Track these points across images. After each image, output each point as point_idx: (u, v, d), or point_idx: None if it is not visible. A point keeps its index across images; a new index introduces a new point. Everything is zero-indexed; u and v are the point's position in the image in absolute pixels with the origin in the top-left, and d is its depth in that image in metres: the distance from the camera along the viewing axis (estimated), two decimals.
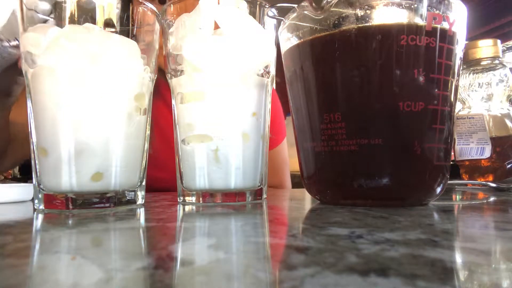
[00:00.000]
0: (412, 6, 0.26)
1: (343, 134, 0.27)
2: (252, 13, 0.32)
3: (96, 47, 0.27)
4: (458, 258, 0.13)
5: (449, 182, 0.29)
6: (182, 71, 0.31)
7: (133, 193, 0.29)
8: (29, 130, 0.28)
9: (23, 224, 0.22)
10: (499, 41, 0.55)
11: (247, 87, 0.31)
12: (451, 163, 0.30)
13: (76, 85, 0.26)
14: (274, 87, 0.39)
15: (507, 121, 0.53)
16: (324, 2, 0.27)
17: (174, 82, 0.32)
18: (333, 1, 0.26)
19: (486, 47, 0.55)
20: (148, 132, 0.32)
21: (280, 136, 0.76)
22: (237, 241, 0.16)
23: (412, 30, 0.25)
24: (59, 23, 0.26)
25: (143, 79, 0.30)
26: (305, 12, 0.28)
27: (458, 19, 0.27)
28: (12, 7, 0.30)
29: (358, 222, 0.20)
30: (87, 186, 0.27)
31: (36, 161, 0.27)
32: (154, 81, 0.32)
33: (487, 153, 0.53)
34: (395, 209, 0.25)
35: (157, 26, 0.32)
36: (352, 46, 0.26)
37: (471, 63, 0.56)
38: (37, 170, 0.27)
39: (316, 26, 0.28)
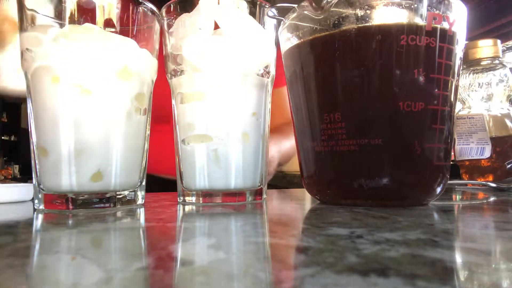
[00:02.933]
0: (412, 6, 0.26)
1: (343, 134, 0.27)
2: (252, 13, 0.32)
3: (96, 47, 0.27)
4: (458, 258, 0.13)
5: (449, 182, 0.28)
6: (182, 71, 0.31)
7: (133, 193, 0.29)
8: (29, 130, 0.28)
9: (23, 224, 0.22)
10: (499, 41, 0.55)
11: (247, 87, 0.31)
12: (451, 163, 0.30)
13: (76, 85, 0.26)
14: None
15: (507, 121, 0.53)
16: (324, 2, 0.27)
17: (174, 82, 0.32)
18: (333, 1, 0.26)
19: (486, 47, 0.55)
20: (148, 132, 0.32)
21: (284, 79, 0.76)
22: (237, 241, 0.16)
23: (412, 30, 0.25)
24: (59, 23, 0.26)
25: (143, 79, 0.30)
26: (305, 12, 0.28)
27: (458, 19, 0.27)
28: None
29: (358, 222, 0.20)
30: (87, 186, 0.27)
31: (36, 161, 0.27)
32: (154, 81, 0.32)
33: (487, 153, 0.53)
34: (395, 209, 0.25)
35: (157, 26, 0.32)
36: (352, 46, 0.26)
37: (471, 63, 0.56)
38: (37, 170, 0.27)
39: (316, 26, 0.28)
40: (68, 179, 0.26)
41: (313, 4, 0.27)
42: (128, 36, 0.29)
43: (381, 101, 0.26)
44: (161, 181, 0.66)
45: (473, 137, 0.54)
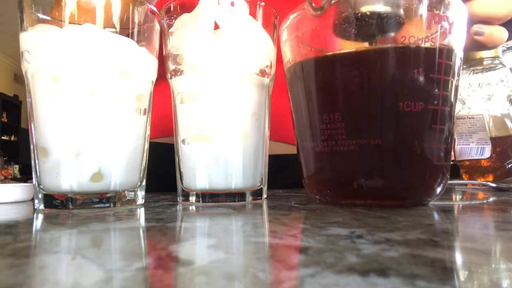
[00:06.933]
0: (412, 6, 0.26)
1: (343, 134, 0.27)
2: (252, 13, 0.32)
3: (96, 47, 0.27)
4: (458, 258, 0.13)
5: (449, 182, 0.28)
6: (182, 71, 0.31)
7: (133, 193, 0.29)
8: (29, 130, 0.28)
9: (23, 224, 0.22)
10: None
11: (247, 87, 0.31)
12: (451, 163, 0.30)
13: (76, 85, 0.26)
14: None
15: (507, 121, 0.53)
16: (324, 2, 0.27)
17: (174, 82, 0.32)
18: (333, 1, 0.26)
19: None
20: (148, 132, 0.32)
21: None
22: (237, 241, 0.16)
23: (412, 30, 0.25)
24: (59, 23, 0.26)
25: (143, 79, 0.30)
26: (305, 12, 0.28)
27: (458, 19, 0.27)
28: None
29: (358, 222, 0.20)
30: (87, 186, 0.27)
31: (36, 161, 0.27)
32: (154, 81, 0.32)
33: (487, 153, 0.53)
34: (395, 209, 0.25)
35: (157, 26, 0.32)
36: (352, 46, 0.26)
37: (471, 63, 0.56)
38: (37, 170, 0.27)
39: (316, 26, 0.28)
40: (68, 179, 0.26)
41: (313, 4, 0.27)
42: (128, 36, 0.29)
43: (381, 101, 0.26)
44: (161, 181, 0.67)
45: (473, 137, 0.54)
